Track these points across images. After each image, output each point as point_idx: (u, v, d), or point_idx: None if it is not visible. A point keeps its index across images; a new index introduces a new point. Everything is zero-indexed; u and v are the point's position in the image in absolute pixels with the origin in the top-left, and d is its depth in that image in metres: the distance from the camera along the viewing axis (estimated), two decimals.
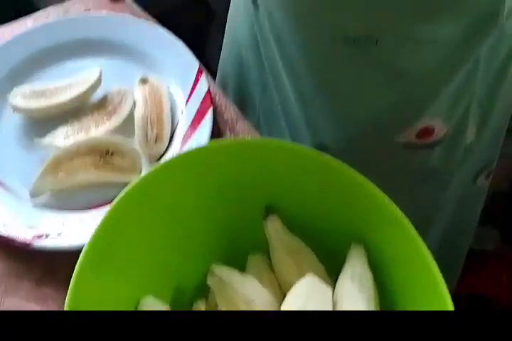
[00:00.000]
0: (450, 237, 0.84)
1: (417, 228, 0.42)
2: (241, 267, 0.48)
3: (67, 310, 0.39)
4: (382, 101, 0.61)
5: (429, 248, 0.41)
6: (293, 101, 0.68)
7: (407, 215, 0.42)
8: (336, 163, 0.45)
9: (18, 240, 0.54)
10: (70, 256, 0.42)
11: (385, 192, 0.43)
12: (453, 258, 0.88)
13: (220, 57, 0.84)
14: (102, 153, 0.60)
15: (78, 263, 0.40)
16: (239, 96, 0.79)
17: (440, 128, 0.64)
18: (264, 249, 0.49)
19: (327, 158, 0.46)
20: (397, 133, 0.64)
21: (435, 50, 0.56)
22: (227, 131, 0.65)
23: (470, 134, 0.68)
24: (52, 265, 0.53)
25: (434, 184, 0.72)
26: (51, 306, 0.51)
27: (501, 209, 1.09)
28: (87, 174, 0.59)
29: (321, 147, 0.61)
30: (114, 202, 0.44)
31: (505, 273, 0.97)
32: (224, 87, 0.77)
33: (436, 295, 0.40)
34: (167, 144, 0.63)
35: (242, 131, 0.65)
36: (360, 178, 0.44)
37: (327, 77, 0.62)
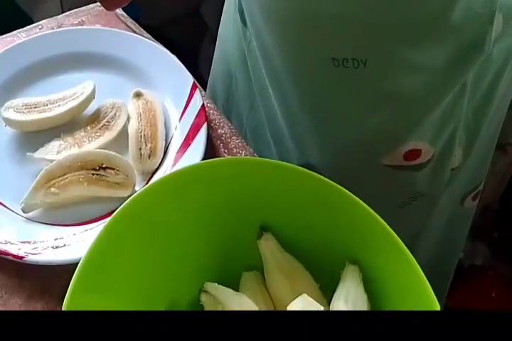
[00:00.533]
0: (438, 256, 0.84)
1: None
2: (235, 285, 0.47)
3: None
4: (369, 122, 0.61)
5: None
6: (280, 119, 0.68)
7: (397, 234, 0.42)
8: (331, 183, 0.45)
9: (11, 253, 0.53)
10: (61, 270, 0.42)
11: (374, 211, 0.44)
12: (440, 276, 0.88)
13: (210, 71, 0.84)
14: (95, 168, 0.60)
15: (73, 280, 0.40)
16: (227, 111, 0.79)
17: (427, 151, 0.64)
18: (258, 267, 0.49)
19: (322, 178, 0.46)
20: (383, 154, 0.64)
21: (422, 74, 0.56)
22: (221, 147, 0.65)
23: (457, 157, 0.68)
24: (44, 280, 0.53)
25: (421, 206, 0.72)
26: None
27: (491, 225, 1.10)
28: (80, 189, 0.58)
29: (308, 166, 0.61)
30: (109, 218, 0.44)
31: (495, 287, 0.97)
32: (213, 101, 0.77)
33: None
34: (161, 159, 0.63)
35: (236, 147, 0.65)
36: (355, 198, 0.44)
37: (314, 96, 0.62)
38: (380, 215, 0.43)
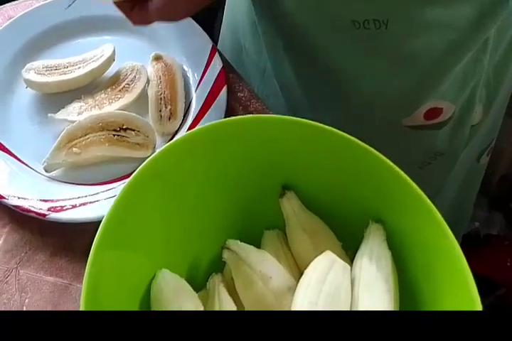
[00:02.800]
0: (451, 216, 0.83)
1: None
2: (257, 243, 0.46)
3: (86, 281, 0.37)
4: (390, 83, 0.60)
5: None
6: (295, 85, 0.66)
7: None
8: (355, 141, 0.44)
9: (34, 211, 0.53)
10: (83, 229, 0.41)
11: None
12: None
13: (219, 41, 0.82)
14: (116, 129, 0.59)
15: (97, 235, 0.39)
16: None
17: (448, 109, 0.63)
18: (280, 226, 0.48)
19: (346, 135, 0.44)
20: (405, 114, 0.63)
21: (446, 33, 0.54)
22: (241, 111, 0.64)
23: (477, 113, 0.67)
24: (67, 238, 0.53)
25: (441, 165, 0.71)
26: (65, 278, 0.50)
27: (507, 195, 1.08)
28: (101, 149, 0.58)
29: None
30: (131, 177, 0.43)
31: (511, 257, 0.96)
32: None
33: (459, 278, 0.39)
34: (181, 121, 0.62)
35: (256, 110, 0.64)
36: (380, 156, 0.43)
37: (334, 60, 0.60)
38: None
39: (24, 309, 0.48)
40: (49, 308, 0.49)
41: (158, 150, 0.44)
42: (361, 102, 0.63)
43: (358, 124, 0.64)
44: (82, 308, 0.35)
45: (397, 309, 0.40)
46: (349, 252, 0.45)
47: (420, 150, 0.69)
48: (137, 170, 0.43)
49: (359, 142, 0.44)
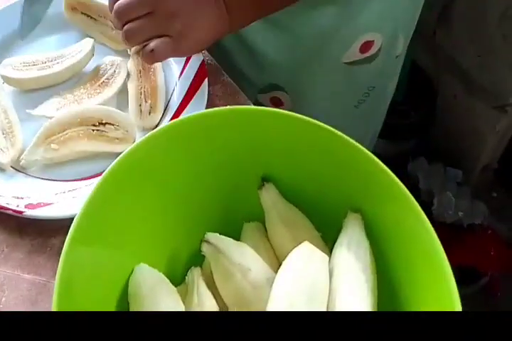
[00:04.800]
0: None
1: None
2: (236, 236, 0.45)
3: (59, 279, 0.36)
4: (325, 17, 0.64)
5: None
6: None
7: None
8: (333, 131, 0.43)
9: (11, 208, 0.52)
10: (61, 225, 0.40)
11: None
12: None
13: None
14: (95, 124, 0.57)
15: (70, 232, 0.38)
16: None
17: (378, 40, 0.68)
18: (259, 218, 0.47)
19: (324, 126, 0.43)
20: (343, 50, 0.67)
21: None
22: (223, 105, 0.62)
23: (400, 44, 0.74)
24: (44, 235, 0.51)
25: (373, 101, 0.77)
26: (43, 276, 0.49)
27: (490, 184, 1.08)
28: (80, 144, 0.56)
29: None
30: (107, 171, 0.41)
31: (494, 246, 0.95)
32: None
33: (436, 267, 0.38)
34: (161, 115, 0.61)
35: (238, 103, 0.62)
36: (357, 145, 0.42)
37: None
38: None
39: (1, 307, 0.47)
40: (27, 306, 0.47)
41: (134, 143, 0.43)
42: (300, 38, 0.66)
43: (300, 63, 0.69)
44: (54, 305, 0.34)
45: (375, 298, 0.39)
46: (329, 243, 0.44)
47: (355, 88, 0.74)
48: (113, 163, 0.41)
49: (338, 133, 0.43)
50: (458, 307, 0.36)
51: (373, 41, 0.68)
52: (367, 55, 0.70)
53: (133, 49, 0.54)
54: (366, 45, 0.68)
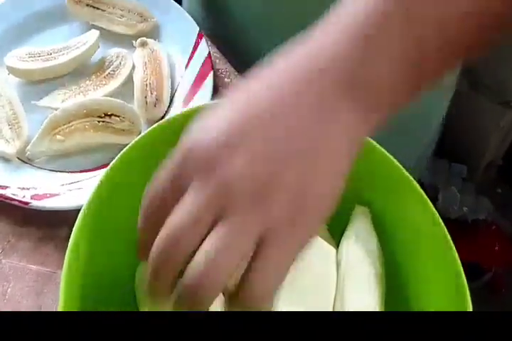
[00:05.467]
0: None
1: None
2: None
3: (65, 271, 0.36)
4: None
5: None
6: None
7: None
8: None
9: (17, 199, 0.51)
10: (67, 217, 0.40)
11: None
12: None
13: None
14: (101, 115, 0.57)
15: (76, 223, 0.38)
16: None
17: None
18: None
19: None
20: None
21: None
22: None
23: None
24: (51, 226, 0.51)
25: None
26: (49, 267, 0.49)
27: (494, 180, 1.07)
28: (86, 136, 0.56)
29: None
30: (113, 162, 0.41)
31: (498, 241, 0.95)
32: None
33: (445, 259, 0.37)
34: (166, 108, 0.60)
35: None
36: (368, 140, 0.41)
37: None
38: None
39: (6, 298, 0.47)
40: (32, 297, 0.47)
41: (140, 135, 0.43)
42: None
43: None
44: (61, 297, 0.34)
45: (382, 291, 0.39)
46: (336, 236, 0.43)
47: None
48: (119, 154, 0.41)
49: None
50: (467, 300, 0.36)
51: None
52: None
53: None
54: None
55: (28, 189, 0.52)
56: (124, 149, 0.41)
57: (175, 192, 0.30)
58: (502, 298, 0.91)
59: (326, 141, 0.30)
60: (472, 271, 0.86)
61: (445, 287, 0.37)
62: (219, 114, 0.31)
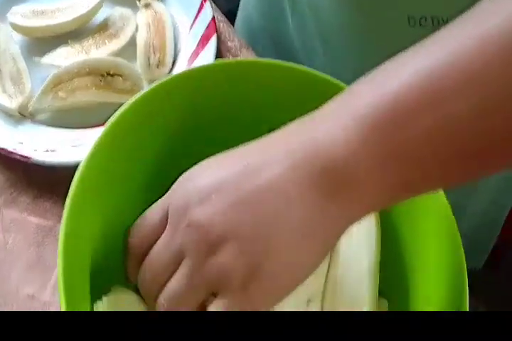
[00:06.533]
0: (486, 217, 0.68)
1: None
2: None
3: (65, 224, 0.35)
4: None
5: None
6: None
7: None
8: (340, 86, 0.42)
9: (19, 153, 0.51)
10: (68, 172, 0.39)
11: None
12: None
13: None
14: (103, 74, 0.56)
15: (74, 179, 0.37)
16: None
17: None
18: None
19: (331, 79, 0.42)
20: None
21: None
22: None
23: None
24: (52, 181, 0.51)
25: None
26: (50, 220, 0.49)
27: None
28: (88, 94, 0.55)
29: None
30: (113, 117, 0.41)
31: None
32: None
33: (442, 223, 0.37)
34: (169, 69, 0.60)
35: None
36: None
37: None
38: None
39: (7, 249, 0.47)
40: (33, 248, 0.47)
41: (139, 93, 0.42)
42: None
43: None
44: (59, 249, 0.34)
45: (378, 254, 0.39)
46: None
47: None
48: (117, 111, 0.41)
49: (341, 84, 0.42)
50: (462, 262, 0.36)
51: None
52: None
53: None
54: None
55: (29, 144, 0.52)
56: (124, 105, 0.41)
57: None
58: (499, 270, 0.91)
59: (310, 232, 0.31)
60: None
61: (441, 246, 0.37)
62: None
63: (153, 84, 0.42)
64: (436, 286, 0.38)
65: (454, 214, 0.37)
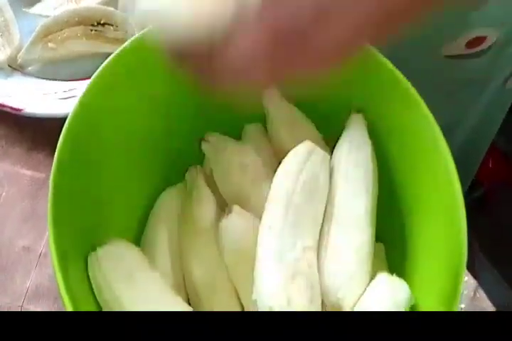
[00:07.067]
0: (471, 140, 0.74)
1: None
2: (236, 137, 0.44)
3: (53, 176, 0.34)
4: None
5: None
6: None
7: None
8: None
9: (9, 105, 0.50)
10: (61, 124, 0.38)
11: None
12: (471, 161, 0.78)
13: None
14: (94, 24, 0.54)
15: (64, 129, 0.36)
16: None
17: (491, 36, 0.56)
18: (261, 120, 0.45)
19: None
20: (446, 43, 0.56)
21: None
22: None
23: None
24: (44, 132, 0.50)
25: (470, 92, 0.64)
26: (43, 172, 0.48)
27: None
28: (78, 44, 0.54)
29: None
30: (101, 67, 0.39)
31: (493, 158, 0.94)
32: None
33: (441, 169, 0.36)
34: None
35: None
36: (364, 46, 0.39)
37: None
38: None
39: (1, 202, 0.46)
40: (28, 201, 0.47)
41: (129, 40, 0.40)
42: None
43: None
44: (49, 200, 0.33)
45: (374, 197, 0.38)
46: (330, 144, 0.42)
47: (454, 79, 0.62)
48: (104, 63, 0.39)
49: None
50: (461, 206, 0.35)
51: (485, 37, 0.55)
52: (474, 50, 0.57)
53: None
54: (475, 41, 0.55)
55: (19, 96, 0.51)
56: (113, 54, 0.39)
57: None
58: (493, 212, 0.92)
59: None
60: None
61: (439, 193, 0.36)
62: None
63: (143, 31, 0.41)
64: (434, 228, 0.37)
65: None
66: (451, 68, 0.60)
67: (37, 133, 0.50)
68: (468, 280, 0.48)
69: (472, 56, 0.58)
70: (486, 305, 0.47)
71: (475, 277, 0.49)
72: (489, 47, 0.57)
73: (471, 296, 0.48)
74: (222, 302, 0.38)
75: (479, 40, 0.56)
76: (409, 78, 0.38)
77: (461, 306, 0.47)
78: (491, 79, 0.65)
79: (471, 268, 0.42)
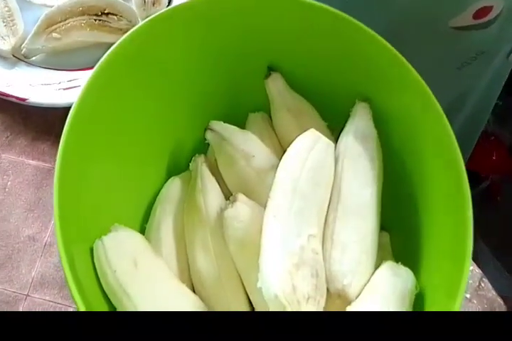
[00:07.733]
0: (470, 119, 0.75)
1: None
2: (241, 126, 0.43)
3: (59, 166, 0.34)
4: None
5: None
6: None
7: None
8: (343, 16, 0.39)
9: (14, 95, 0.49)
10: (65, 114, 0.38)
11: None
12: (470, 137, 0.80)
13: None
14: (98, 14, 0.54)
15: (68, 120, 0.36)
16: None
17: (498, 6, 0.55)
18: (265, 108, 0.44)
19: (331, 10, 0.39)
20: (453, 15, 0.55)
21: None
22: None
23: None
24: (49, 122, 0.49)
25: (479, 65, 0.63)
26: (48, 162, 0.48)
27: None
28: (82, 34, 0.53)
29: None
30: (104, 56, 0.39)
31: (496, 152, 0.94)
32: None
33: (446, 158, 0.36)
34: (166, 7, 0.57)
35: None
36: (370, 32, 0.39)
37: None
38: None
39: (6, 191, 0.46)
40: (32, 190, 0.46)
41: (133, 28, 0.40)
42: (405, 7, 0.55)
43: (399, 30, 0.57)
44: (55, 190, 0.32)
45: (379, 185, 0.38)
46: (335, 133, 0.42)
47: (463, 51, 0.61)
48: (107, 52, 0.39)
49: (348, 17, 0.39)
50: (467, 195, 0.34)
51: (492, 7, 0.55)
52: (481, 21, 0.57)
53: None
54: (482, 12, 0.55)
55: (24, 86, 0.50)
56: (116, 43, 0.39)
57: None
58: (497, 204, 0.91)
59: None
60: (470, 179, 0.86)
61: (444, 180, 0.36)
62: None
63: (146, 20, 0.40)
64: (439, 217, 0.37)
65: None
66: (459, 40, 0.59)
67: (41, 123, 0.50)
68: (473, 269, 0.48)
69: (480, 26, 0.57)
70: (491, 295, 0.47)
71: (479, 267, 0.49)
72: (496, 18, 0.57)
73: (475, 286, 0.48)
74: (226, 291, 0.37)
75: (485, 10, 0.55)
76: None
77: (466, 296, 0.47)
78: (498, 51, 0.64)
79: (476, 258, 0.42)
